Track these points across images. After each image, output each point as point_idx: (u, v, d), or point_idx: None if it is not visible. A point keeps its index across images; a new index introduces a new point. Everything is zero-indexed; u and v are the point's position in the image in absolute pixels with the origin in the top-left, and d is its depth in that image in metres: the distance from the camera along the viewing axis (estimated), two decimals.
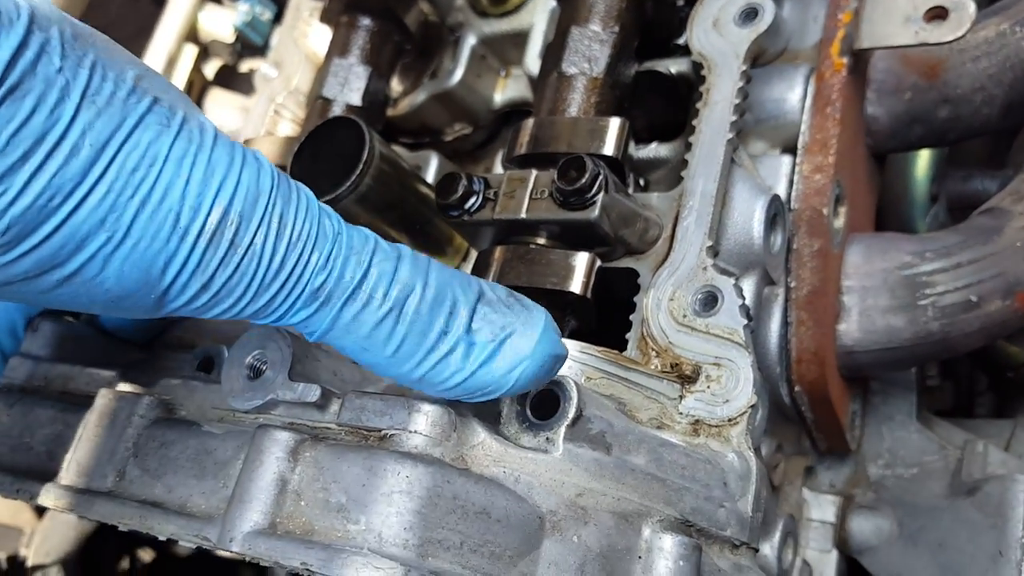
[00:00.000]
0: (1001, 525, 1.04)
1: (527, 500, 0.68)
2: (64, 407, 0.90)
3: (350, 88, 1.18)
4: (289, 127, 1.36)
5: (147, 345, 1.01)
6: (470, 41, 1.25)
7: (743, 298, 0.84)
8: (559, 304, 0.94)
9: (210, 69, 1.66)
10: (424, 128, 1.31)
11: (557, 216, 0.90)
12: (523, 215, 0.93)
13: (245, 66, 1.69)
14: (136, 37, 1.58)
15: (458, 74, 1.24)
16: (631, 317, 0.90)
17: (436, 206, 0.97)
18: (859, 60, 1.07)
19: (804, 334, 1.00)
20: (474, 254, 1.04)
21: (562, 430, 0.70)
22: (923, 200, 1.32)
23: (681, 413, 0.81)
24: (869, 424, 1.21)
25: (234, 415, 0.80)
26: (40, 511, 1.85)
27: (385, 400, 0.71)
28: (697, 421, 0.80)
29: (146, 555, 1.92)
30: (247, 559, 0.72)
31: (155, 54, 1.54)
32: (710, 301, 0.85)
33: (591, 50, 1.03)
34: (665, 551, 0.69)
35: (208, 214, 0.55)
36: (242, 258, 0.57)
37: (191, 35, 1.57)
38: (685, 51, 1.03)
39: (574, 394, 0.71)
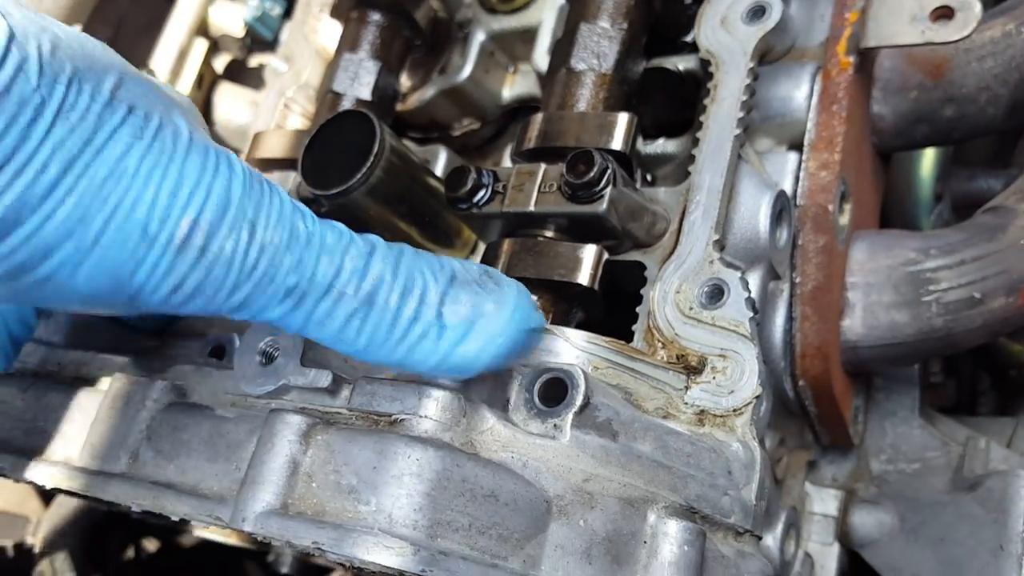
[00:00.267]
0: (1002, 520, 1.05)
1: (534, 484, 0.69)
2: (78, 392, 0.92)
3: (360, 83, 1.19)
4: (299, 121, 1.37)
5: (159, 333, 1.03)
6: (479, 37, 1.26)
7: (749, 291, 0.86)
8: (567, 296, 0.95)
9: (220, 63, 1.67)
10: (433, 123, 1.32)
11: (565, 209, 0.92)
12: (532, 208, 0.94)
13: (255, 61, 1.71)
14: (147, 31, 1.59)
15: (467, 70, 1.25)
16: (638, 309, 0.91)
17: (445, 199, 0.99)
18: (865, 59, 1.09)
19: (808, 329, 1.01)
20: (482, 247, 1.05)
21: (570, 417, 0.71)
22: (928, 199, 1.33)
23: (686, 403, 0.82)
24: (872, 419, 1.22)
25: (246, 400, 0.81)
26: (47, 499, 1.87)
27: (396, 386, 0.72)
28: (702, 411, 0.82)
29: (151, 545, 1.94)
30: (260, 539, 0.73)
31: (165, 48, 1.56)
32: (716, 294, 0.86)
33: (600, 46, 1.04)
34: (670, 536, 0.70)
35: (177, 225, 0.56)
36: (213, 264, 0.58)
37: (201, 29, 1.58)
38: (693, 48, 1.04)
39: (582, 382, 0.72)
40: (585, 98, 1.02)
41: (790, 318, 1.01)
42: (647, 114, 1.08)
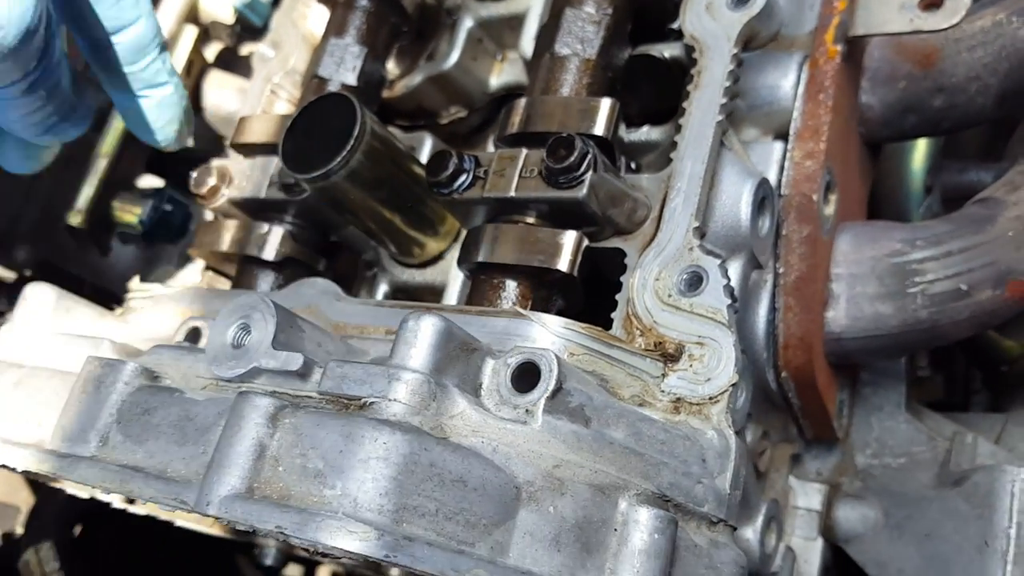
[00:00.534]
0: (988, 515, 1.04)
1: (504, 470, 0.68)
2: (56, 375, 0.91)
3: (345, 68, 1.18)
4: (285, 106, 1.36)
5: None
6: (467, 24, 1.25)
7: (728, 279, 0.84)
8: (546, 282, 0.94)
9: (211, 52, 1.66)
10: (420, 111, 1.31)
11: (546, 194, 0.91)
12: (512, 193, 0.93)
13: (245, 49, 1.69)
14: None
15: (454, 57, 1.24)
16: (617, 296, 0.90)
17: (426, 184, 0.98)
18: (854, 48, 1.07)
19: (791, 320, 1.00)
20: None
21: (541, 402, 0.70)
22: (918, 191, 1.31)
23: (663, 391, 0.81)
24: (857, 413, 1.21)
25: (217, 384, 0.80)
26: (37, 489, 1.86)
27: (366, 369, 0.71)
28: (678, 399, 0.81)
29: (138, 536, 1.93)
30: (227, 525, 0.72)
31: None
32: (695, 281, 0.85)
33: (584, 31, 1.03)
34: (641, 524, 0.69)
35: None
36: None
37: (191, 16, 1.57)
38: (679, 36, 1.02)
39: (554, 367, 0.71)
40: (568, 83, 1.01)
41: (773, 309, 1.00)
42: (632, 101, 1.06)
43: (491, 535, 0.66)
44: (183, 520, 1.45)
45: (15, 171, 1.09)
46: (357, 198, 1.05)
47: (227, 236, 1.17)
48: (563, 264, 0.91)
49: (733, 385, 0.79)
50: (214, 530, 1.49)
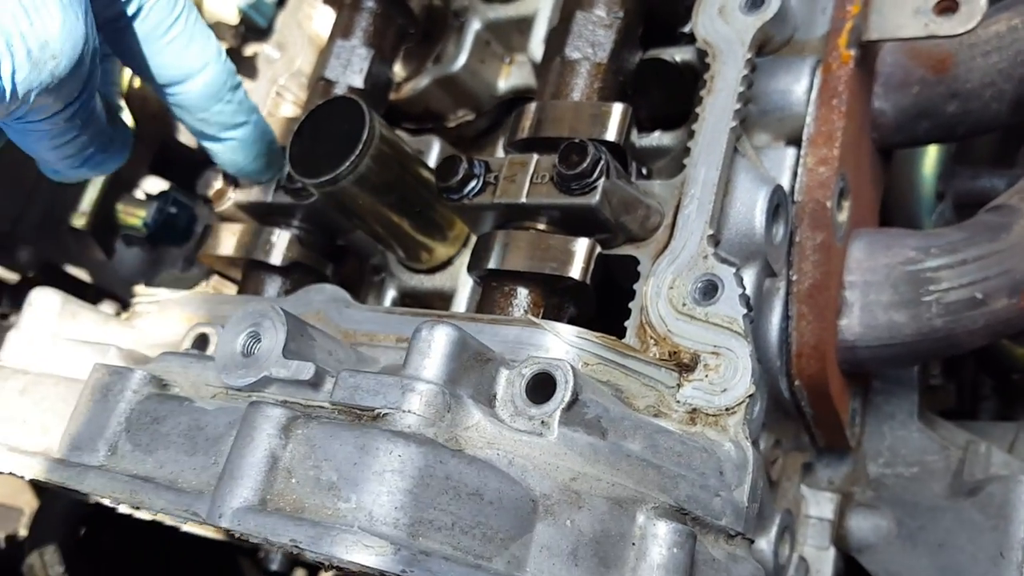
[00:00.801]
0: (1003, 526, 1.03)
1: (520, 483, 0.67)
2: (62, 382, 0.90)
3: (352, 70, 1.17)
4: (291, 109, 1.35)
5: None
6: (474, 26, 1.24)
7: (743, 287, 0.83)
8: (558, 290, 0.93)
9: None
10: (427, 113, 1.30)
11: (558, 201, 0.90)
12: (523, 199, 0.92)
13: (250, 50, 1.68)
14: None
15: (462, 59, 1.23)
16: (630, 305, 0.89)
17: (436, 189, 0.97)
18: (867, 52, 1.06)
19: (805, 328, 0.98)
20: (475, 239, 1.03)
21: (557, 414, 0.69)
22: (930, 198, 1.30)
23: (678, 402, 0.80)
24: (870, 422, 1.20)
25: (227, 392, 0.79)
26: (41, 492, 1.85)
27: (379, 379, 0.70)
28: (694, 410, 0.79)
29: (142, 539, 1.92)
30: (236, 536, 0.71)
31: None
32: (710, 290, 0.84)
33: (595, 35, 1.02)
34: (659, 538, 0.68)
35: None
36: None
37: None
38: (690, 39, 1.02)
39: (570, 378, 0.70)
40: (580, 88, 1.00)
41: (786, 316, 0.99)
42: (643, 106, 1.05)
43: (508, 549, 0.65)
44: (188, 525, 1.44)
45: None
46: (365, 203, 1.04)
47: (233, 240, 1.16)
48: (576, 272, 0.89)
49: (750, 396, 0.78)
50: (219, 535, 1.48)
